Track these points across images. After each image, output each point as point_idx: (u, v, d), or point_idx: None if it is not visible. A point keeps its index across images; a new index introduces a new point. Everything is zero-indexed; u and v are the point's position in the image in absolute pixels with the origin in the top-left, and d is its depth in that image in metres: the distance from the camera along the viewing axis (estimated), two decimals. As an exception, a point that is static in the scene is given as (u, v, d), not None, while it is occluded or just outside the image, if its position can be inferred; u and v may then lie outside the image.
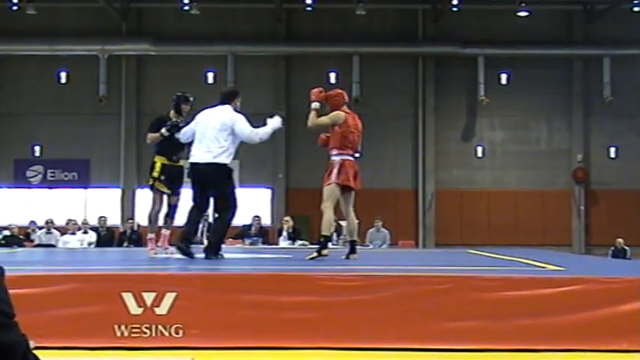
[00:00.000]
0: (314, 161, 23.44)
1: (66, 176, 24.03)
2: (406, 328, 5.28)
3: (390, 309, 5.32)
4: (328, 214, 7.97)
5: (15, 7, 22.72)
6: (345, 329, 5.28)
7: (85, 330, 5.26)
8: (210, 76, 23.44)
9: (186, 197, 8.66)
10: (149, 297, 5.29)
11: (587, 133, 24.33)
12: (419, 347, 5.20)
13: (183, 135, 8.29)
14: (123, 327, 5.26)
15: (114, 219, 21.88)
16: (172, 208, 9.03)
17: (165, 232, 9.20)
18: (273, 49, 24.19)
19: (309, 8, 23.24)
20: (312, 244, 15.26)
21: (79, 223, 17.38)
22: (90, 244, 16.29)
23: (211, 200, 8.14)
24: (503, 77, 23.85)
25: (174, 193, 8.97)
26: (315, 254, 7.97)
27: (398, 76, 23.97)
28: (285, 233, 15.49)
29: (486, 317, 5.28)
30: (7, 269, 2.67)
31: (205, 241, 14.73)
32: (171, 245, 8.92)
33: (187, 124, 8.43)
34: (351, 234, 8.45)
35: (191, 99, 9.06)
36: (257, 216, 16.32)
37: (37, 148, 23.86)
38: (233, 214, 8.08)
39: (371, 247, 15.74)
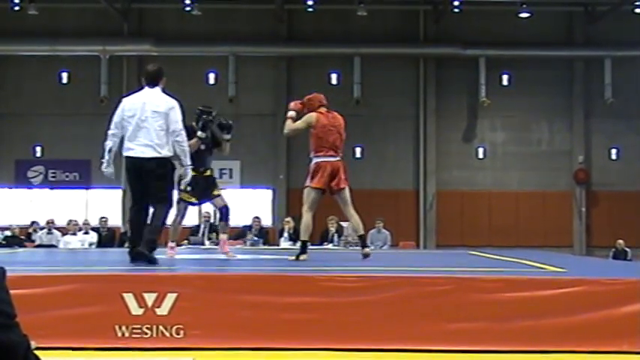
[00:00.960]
0: (315, 162, 23.52)
1: (67, 177, 24.04)
2: (407, 329, 5.28)
3: (391, 310, 5.32)
4: (305, 218, 8.03)
5: (16, 8, 22.71)
6: (346, 330, 5.29)
7: (85, 330, 5.27)
8: (212, 76, 23.45)
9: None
10: (150, 297, 5.29)
11: (588, 135, 24.31)
12: (420, 348, 5.20)
13: (113, 129, 7.32)
14: (124, 327, 5.26)
15: (115, 219, 21.87)
16: (225, 212, 8.98)
17: (223, 236, 9.19)
18: (275, 50, 24.19)
19: (310, 9, 23.23)
20: (312, 244, 15.28)
21: (80, 223, 17.40)
22: (91, 244, 16.30)
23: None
24: (505, 78, 23.84)
25: (202, 201, 9.07)
26: (293, 258, 8.03)
27: (399, 77, 23.96)
28: (286, 234, 15.48)
29: (487, 318, 5.29)
30: (8, 270, 2.68)
31: (207, 242, 14.80)
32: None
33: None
34: (357, 230, 8.47)
35: (214, 113, 9.03)
36: (257, 217, 16.31)
37: (38, 149, 23.86)
38: (168, 211, 7.42)
39: (372, 248, 15.73)
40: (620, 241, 19.54)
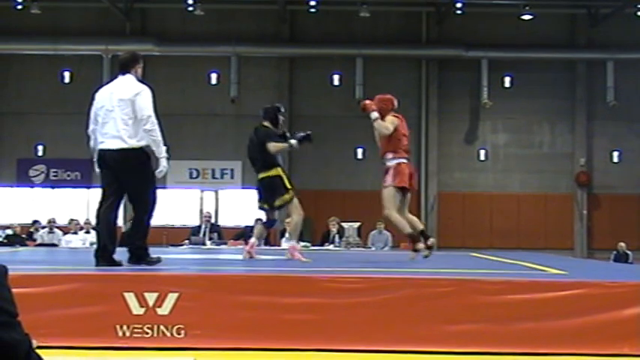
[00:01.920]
0: (317, 163, 23.52)
1: (68, 176, 24.07)
2: (408, 330, 5.28)
3: (392, 311, 5.32)
4: (395, 217, 8.06)
5: (19, 7, 22.74)
6: (347, 331, 5.28)
7: (86, 330, 5.27)
8: (214, 77, 23.47)
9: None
10: (151, 297, 5.29)
11: (590, 137, 24.31)
12: (420, 350, 5.20)
13: (90, 124, 6.84)
14: (125, 327, 5.26)
15: (116, 219, 21.91)
16: (274, 221, 9.03)
17: (253, 240, 9.00)
18: (277, 51, 24.20)
19: (313, 10, 23.24)
20: (313, 245, 15.28)
21: (82, 222, 17.39)
22: (92, 243, 16.27)
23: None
24: (507, 80, 23.84)
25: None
26: (412, 254, 8.27)
27: (401, 78, 23.97)
28: (287, 234, 15.46)
29: (488, 320, 5.28)
30: (10, 268, 2.68)
31: (208, 242, 14.79)
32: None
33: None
34: (415, 227, 8.38)
35: (282, 109, 8.94)
36: (260, 218, 16.27)
37: (39, 148, 23.89)
38: (149, 209, 6.70)
39: (373, 249, 15.74)
40: (622, 244, 19.55)
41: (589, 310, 5.26)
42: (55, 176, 24.08)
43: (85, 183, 23.89)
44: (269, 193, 8.49)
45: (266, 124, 8.67)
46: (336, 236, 15.28)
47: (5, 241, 16.67)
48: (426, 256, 8.21)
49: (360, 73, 23.19)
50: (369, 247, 15.83)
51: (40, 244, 16.33)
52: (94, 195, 24.00)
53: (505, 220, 23.72)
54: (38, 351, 2.55)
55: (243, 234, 15.75)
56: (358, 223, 14.88)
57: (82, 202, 23.78)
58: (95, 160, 6.72)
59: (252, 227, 15.97)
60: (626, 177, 24.03)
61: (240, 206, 22.46)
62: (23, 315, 2.54)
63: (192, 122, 23.71)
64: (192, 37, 23.44)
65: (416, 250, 8.25)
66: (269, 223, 9.03)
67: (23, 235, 17.76)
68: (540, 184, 24.19)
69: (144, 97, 6.57)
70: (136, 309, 5.27)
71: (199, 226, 15.85)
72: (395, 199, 8.06)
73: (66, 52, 23.16)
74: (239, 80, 23.16)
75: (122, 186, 6.63)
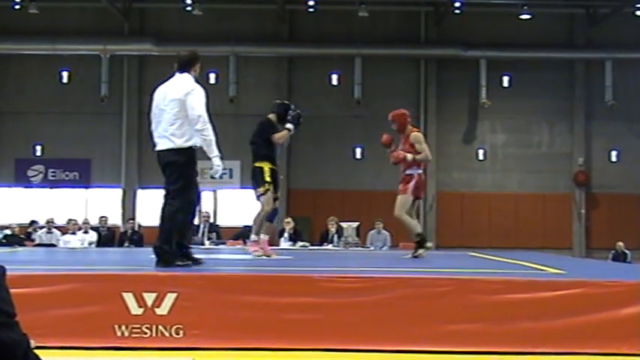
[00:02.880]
0: (315, 162, 23.52)
1: (67, 176, 24.05)
2: (406, 330, 5.28)
3: (391, 311, 5.32)
4: (407, 219, 8.81)
5: (17, 7, 22.74)
6: (346, 331, 5.28)
7: (85, 330, 5.26)
8: (212, 76, 23.44)
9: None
10: (150, 297, 5.29)
11: (589, 137, 24.33)
12: (419, 349, 5.20)
13: (152, 122, 6.76)
14: (123, 327, 5.26)
15: (115, 219, 21.90)
16: (274, 212, 9.08)
17: (265, 237, 9.16)
18: (276, 50, 24.20)
19: (311, 10, 23.24)
20: (312, 245, 15.27)
21: (80, 222, 17.38)
22: (90, 243, 16.29)
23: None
24: (505, 80, 23.86)
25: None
26: (419, 251, 8.84)
27: (400, 78, 23.98)
28: (286, 234, 15.48)
29: (487, 320, 5.29)
30: (8, 269, 2.68)
31: (207, 242, 14.79)
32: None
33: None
34: (417, 228, 9.06)
35: (293, 107, 9.02)
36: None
37: (38, 148, 23.87)
38: (185, 209, 6.57)
39: (372, 248, 15.73)
40: (620, 243, 19.55)
41: (587, 309, 5.27)
42: (53, 176, 24.06)
43: (84, 183, 23.89)
44: (253, 182, 8.85)
45: (271, 117, 8.89)
46: (335, 236, 15.28)
47: (3, 241, 16.65)
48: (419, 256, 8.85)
49: (358, 72, 23.20)
50: (368, 247, 15.83)
51: (39, 245, 16.31)
52: (92, 195, 24.04)
53: (504, 219, 23.73)
54: (36, 351, 2.55)
55: (241, 234, 15.76)
56: (357, 223, 14.87)
57: (81, 202, 23.77)
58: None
59: (251, 227, 16.00)
60: (624, 176, 24.05)
61: (239, 206, 22.45)
62: (22, 315, 2.54)
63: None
64: (190, 36, 23.41)
65: (416, 257, 8.80)
66: (269, 218, 9.09)
67: (21, 236, 17.73)
68: (539, 184, 24.20)
69: (195, 97, 6.48)
70: (135, 309, 5.27)
71: (198, 226, 15.83)
72: (408, 204, 8.85)
73: (64, 51, 23.15)
74: (238, 80, 23.16)
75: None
